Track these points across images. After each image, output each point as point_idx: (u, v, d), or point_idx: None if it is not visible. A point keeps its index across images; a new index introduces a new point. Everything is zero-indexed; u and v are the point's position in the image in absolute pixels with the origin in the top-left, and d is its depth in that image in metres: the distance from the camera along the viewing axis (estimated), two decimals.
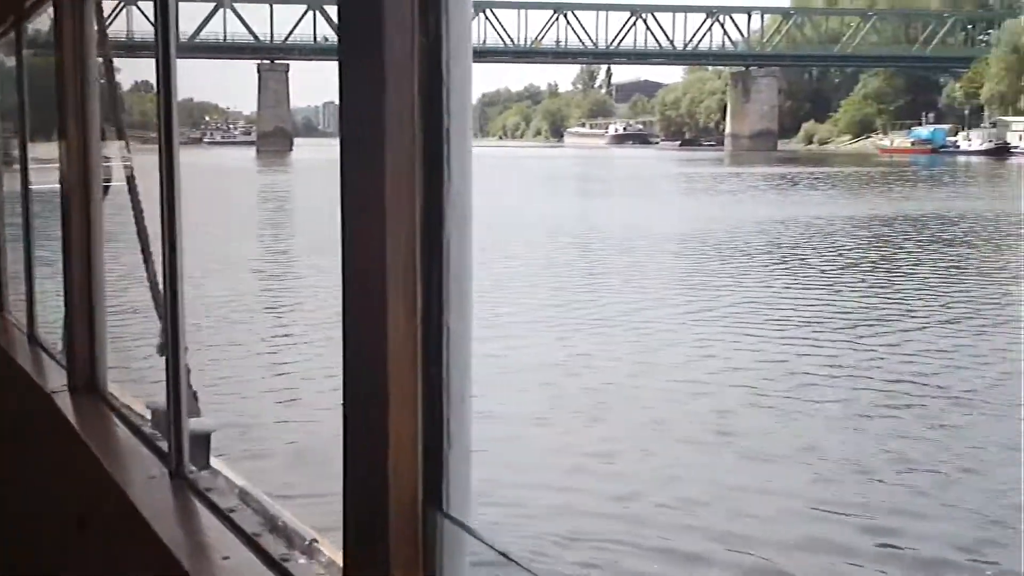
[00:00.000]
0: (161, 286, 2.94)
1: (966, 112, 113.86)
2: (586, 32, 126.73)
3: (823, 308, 19.79)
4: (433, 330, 1.45)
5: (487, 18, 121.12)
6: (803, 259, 27.47)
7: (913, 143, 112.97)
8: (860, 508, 9.62)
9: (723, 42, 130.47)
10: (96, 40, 3.75)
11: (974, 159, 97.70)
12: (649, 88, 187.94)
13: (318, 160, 61.42)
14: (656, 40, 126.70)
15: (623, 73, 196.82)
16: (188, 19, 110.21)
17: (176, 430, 2.81)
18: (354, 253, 1.51)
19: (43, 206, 5.22)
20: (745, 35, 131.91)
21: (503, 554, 1.45)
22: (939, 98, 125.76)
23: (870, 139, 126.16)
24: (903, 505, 9.67)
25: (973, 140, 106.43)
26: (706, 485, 10.16)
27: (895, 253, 29.32)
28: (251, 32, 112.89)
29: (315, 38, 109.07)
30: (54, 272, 4.10)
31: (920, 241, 32.06)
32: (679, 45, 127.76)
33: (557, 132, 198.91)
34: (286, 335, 16.86)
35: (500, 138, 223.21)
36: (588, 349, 15.93)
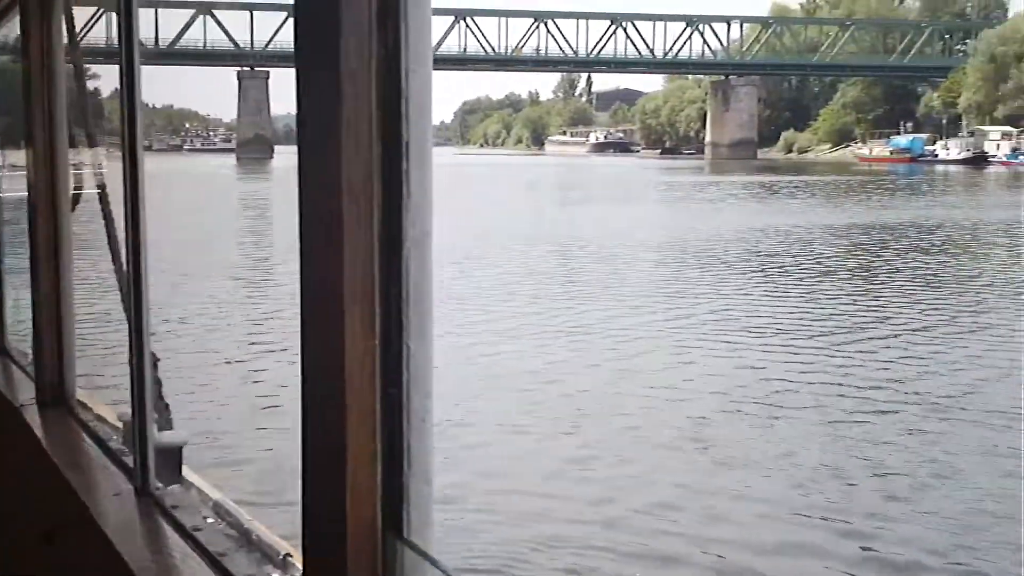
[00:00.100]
0: (124, 297, 2.87)
1: (944, 121, 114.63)
2: (567, 40, 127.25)
3: (801, 316, 19.88)
4: (392, 349, 1.40)
5: (468, 26, 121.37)
6: (781, 267, 27.59)
7: (892, 152, 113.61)
8: (836, 512, 9.68)
9: (703, 51, 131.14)
10: (64, 47, 3.70)
11: (952, 168, 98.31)
12: (630, 97, 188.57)
13: None
14: (636, 48, 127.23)
15: (604, 81, 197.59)
16: (168, 26, 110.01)
17: (141, 444, 2.73)
18: (312, 269, 1.47)
19: (16, 213, 5.18)
20: (725, 44, 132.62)
21: None
22: (917, 107, 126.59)
23: (849, 148, 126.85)
24: (878, 509, 9.73)
25: (951, 149, 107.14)
26: (682, 490, 10.20)
27: (872, 261, 29.48)
28: (231, 39, 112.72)
29: None
30: (23, 282, 4.04)
31: (898, 249, 32.25)
32: (659, 53, 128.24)
33: (538, 140, 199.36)
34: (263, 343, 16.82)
35: (481, 146, 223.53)
36: (565, 356, 15.97)
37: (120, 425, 3.24)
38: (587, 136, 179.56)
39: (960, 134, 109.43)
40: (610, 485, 10.29)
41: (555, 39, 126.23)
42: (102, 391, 3.82)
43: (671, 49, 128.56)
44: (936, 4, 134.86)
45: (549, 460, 11.07)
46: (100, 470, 3.06)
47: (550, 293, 22.57)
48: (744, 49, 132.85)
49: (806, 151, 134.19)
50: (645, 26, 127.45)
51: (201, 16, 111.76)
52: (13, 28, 4.52)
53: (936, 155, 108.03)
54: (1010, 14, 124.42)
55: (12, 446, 3.74)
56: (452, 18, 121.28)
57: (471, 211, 41.59)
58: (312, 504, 1.50)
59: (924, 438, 11.93)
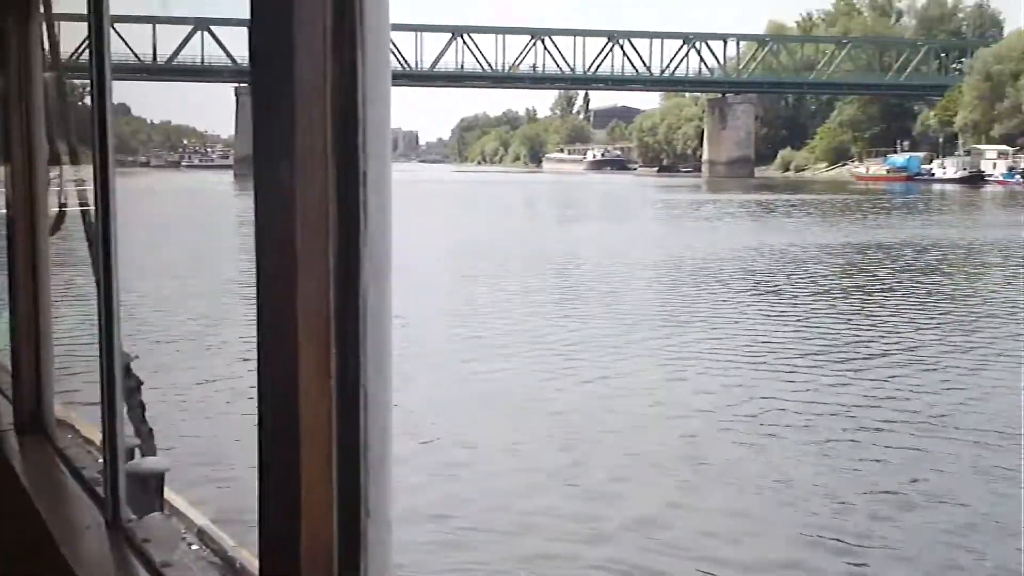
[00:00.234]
0: (97, 320, 2.74)
1: (940, 140, 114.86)
2: (564, 57, 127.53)
3: (795, 334, 19.91)
4: (349, 392, 1.32)
5: (465, 43, 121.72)
6: (775, 286, 27.62)
7: (888, 171, 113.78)
8: (828, 530, 9.69)
9: (700, 68, 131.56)
10: (42, 61, 3.61)
11: (949, 187, 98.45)
12: (627, 114, 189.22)
13: None
14: (633, 66, 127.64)
15: (601, 99, 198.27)
16: (165, 42, 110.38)
17: (112, 474, 2.61)
18: (267, 300, 1.38)
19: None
20: (721, 62, 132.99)
21: None
22: (914, 126, 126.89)
23: (846, 166, 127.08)
24: (868, 528, 9.74)
25: (948, 168, 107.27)
26: (671, 508, 10.21)
27: (867, 281, 29.53)
28: (229, 55, 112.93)
29: None
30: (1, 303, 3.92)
31: (892, 269, 32.31)
32: (656, 71, 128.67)
33: (536, 157, 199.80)
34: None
35: (479, 163, 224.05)
36: (559, 373, 15.98)
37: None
38: (584, 153, 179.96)
39: (956, 153, 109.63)
40: (600, 499, 10.30)
41: (552, 56, 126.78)
42: (88, 407, 3.71)
43: (668, 66, 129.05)
44: (931, 23, 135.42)
45: (537, 476, 11.09)
46: (74, 500, 2.98)
47: (544, 311, 22.56)
48: (741, 67, 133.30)
49: (803, 169, 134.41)
50: (642, 43, 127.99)
51: (199, 32, 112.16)
52: None
53: (932, 174, 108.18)
54: (1006, 33, 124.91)
55: None
56: (449, 35, 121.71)
57: (467, 227, 41.59)
58: (267, 552, 1.43)
59: (914, 455, 11.96)
